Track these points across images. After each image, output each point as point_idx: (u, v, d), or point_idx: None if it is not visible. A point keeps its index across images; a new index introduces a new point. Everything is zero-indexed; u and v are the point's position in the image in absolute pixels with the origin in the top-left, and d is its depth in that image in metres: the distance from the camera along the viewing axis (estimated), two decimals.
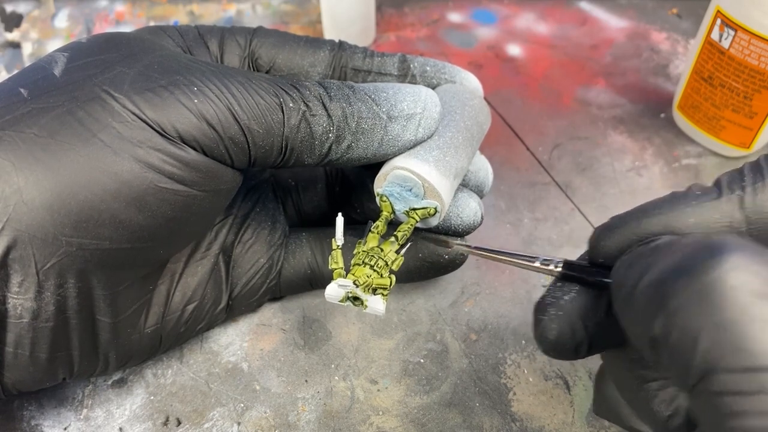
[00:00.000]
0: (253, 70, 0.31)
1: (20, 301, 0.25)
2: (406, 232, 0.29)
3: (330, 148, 0.27)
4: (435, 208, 0.30)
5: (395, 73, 0.32)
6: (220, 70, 0.27)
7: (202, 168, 0.26)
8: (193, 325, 0.32)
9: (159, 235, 0.26)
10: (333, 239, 0.29)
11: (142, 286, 0.29)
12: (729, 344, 0.17)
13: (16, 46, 0.51)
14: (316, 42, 0.32)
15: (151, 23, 0.54)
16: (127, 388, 0.33)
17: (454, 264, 0.34)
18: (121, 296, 0.27)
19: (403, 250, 0.30)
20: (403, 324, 0.36)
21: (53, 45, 0.52)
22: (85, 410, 0.32)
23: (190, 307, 0.31)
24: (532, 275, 0.38)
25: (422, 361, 0.34)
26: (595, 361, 0.34)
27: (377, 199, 0.30)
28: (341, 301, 0.29)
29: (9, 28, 0.52)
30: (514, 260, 0.27)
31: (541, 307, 0.25)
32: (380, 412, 0.32)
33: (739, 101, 0.41)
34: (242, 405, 0.32)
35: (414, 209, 0.30)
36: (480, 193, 0.34)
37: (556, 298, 0.25)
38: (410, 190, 0.29)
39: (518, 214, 0.41)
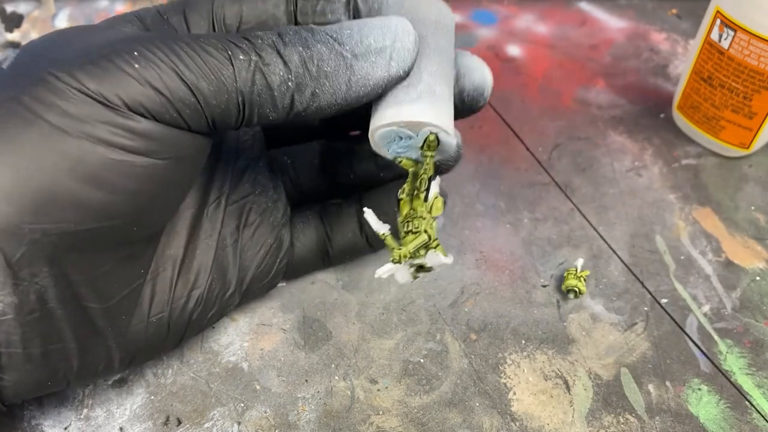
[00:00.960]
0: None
1: (0, 297, 0.24)
2: (424, 175, 0.29)
3: (293, 98, 0.26)
4: (433, 133, 0.28)
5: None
6: (166, 34, 0.26)
7: (156, 135, 0.25)
8: (203, 313, 0.31)
9: (126, 212, 0.26)
10: (379, 233, 0.29)
11: (127, 269, 0.28)
12: None
13: (16, 46, 0.51)
14: None
15: None
16: (127, 388, 0.33)
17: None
18: (103, 280, 0.27)
19: (432, 192, 0.29)
20: (403, 324, 0.36)
21: None
22: (85, 410, 0.32)
23: (196, 293, 0.31)
24: (532, 275, 0.38)
25: (422, 360, 0.34)
26: (594, 361, 0.34)
27: (397, 163, 0.30)
28: (414, 279, 0.30)
29: (9, 29, 0.52)
30: None
31: None
32: (380, 412, 0.32)
33: (739, 101, 0.41)
34: (242, 405, 0.32)
35: (421, 148, 0.29)
36: (480, 97, 0.31)
37: None
38: (401, 138, 0.28)
39: (518, 214, 0.41)
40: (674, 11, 0.58)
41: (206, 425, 0.31)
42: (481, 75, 0.30)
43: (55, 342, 0.26)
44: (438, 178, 0.29)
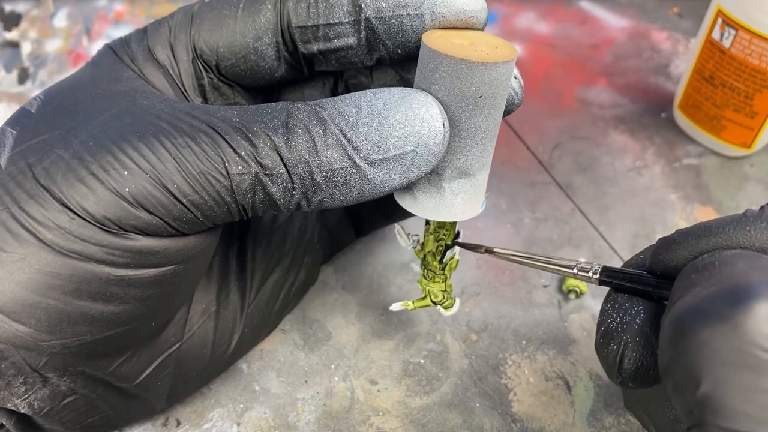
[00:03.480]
0: (204, 69, 0.28)
1: (31, 397, 0.25)
2: (441, 241, 0.29)
3: (298, 204, 0.24)
4: (451, 235, 0.29)
5: (346, 20, 0.26)
6: (158, 128, 0.23)
7: (157, 249, 0.23)
8: (248, 346, 0.33)
9: (140, 315, 0.25)
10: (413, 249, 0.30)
11: (152, 347, 0.28)
12: (726, 402, 0.17)
13: (15, 45, 0.51)
14: (254, 4, 0.27)
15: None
16: None
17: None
18: (126, 364, 0.27)
19: (448, 255, 0.30)
20: (403, 324, 0.35)
21: (52, 44, 0.52)
22: None
23: (236, 336, 0.31)
24: (532, 275, 0.38)
25: (422, 361, 0.34)
26: (595, 362, 0.34)
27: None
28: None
29: (8, 28, 0.52)
30: (547, 266, 0.26)
31: (608, 335, 0.22)
32: (380, 413, 0.32)
33: (740, 101, 0.41)
34: (242, 406, 0.32)
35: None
36: (511, 107, 0.27)
37: (623, 321, 0.22)
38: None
39: (519, 214, 0.41)
40: (675, 10, 0.57)
41: (205, 426, 0.31)
42: (510, 93, 0.27)
43: (93, 415, 0.27)
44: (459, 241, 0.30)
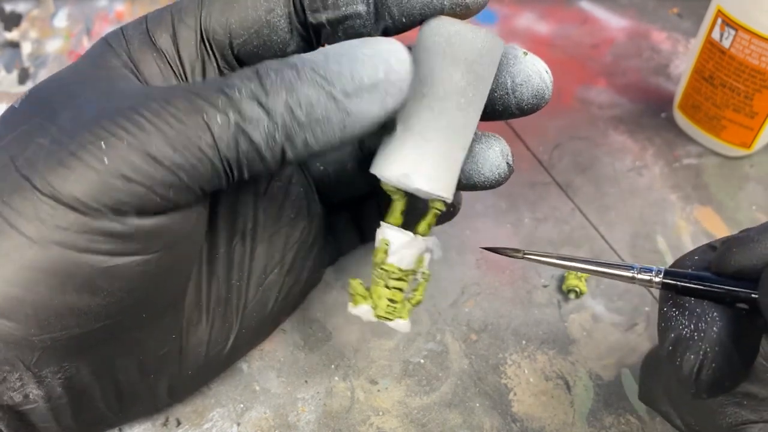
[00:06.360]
0: (213, 53, 0.27)
1: (26, 391, 0.25)
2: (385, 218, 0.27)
3: (283, 151, 0.24)
4: (438, 207, 0.28)
5: None
6: (134, 101, 0.23)
7: (142, 232, 0.23)
8: (244, 348, 0.33)
9: (128, 306, 0.25)
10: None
11: (151, 339, 0.28)
12: None
13: (15, 45, 0.51)
14: None
15: None
16: None
17: None
18: (124, 358, 0.27)
19: (379, 238, 0.27)
20: None
21: (53, 44, 0.52)
22: None
23: (231, 336, 0.31)
24: (532, 275, 0.38)
25: (422, 361, 0.34)
26: (595, 361, 0.34)
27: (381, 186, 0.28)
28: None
29: (8, 28, 0.52)
30: (600, 269, 0.25)
31: (682, 343, 0.21)
32: (380, 413, 0.32)
33: (740, 101, 0.41)
34: (242, 405, 0.32)
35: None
36: (541, 101, 0.28)
37: (698, 329, 0.21)
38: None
39: (518, 214, 0.41)
40: (675, 10, 0.57)
41: (205, 426, 0.31)
42: (539, 81, 0.27)
43: (89, 412, 0.27)
44: (408, 235, 0.28)
